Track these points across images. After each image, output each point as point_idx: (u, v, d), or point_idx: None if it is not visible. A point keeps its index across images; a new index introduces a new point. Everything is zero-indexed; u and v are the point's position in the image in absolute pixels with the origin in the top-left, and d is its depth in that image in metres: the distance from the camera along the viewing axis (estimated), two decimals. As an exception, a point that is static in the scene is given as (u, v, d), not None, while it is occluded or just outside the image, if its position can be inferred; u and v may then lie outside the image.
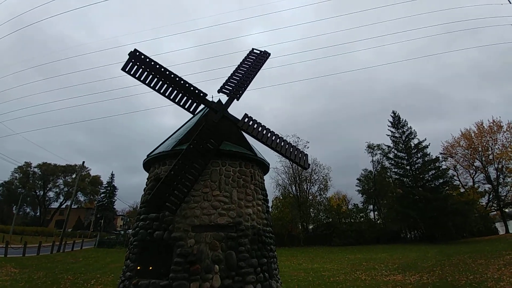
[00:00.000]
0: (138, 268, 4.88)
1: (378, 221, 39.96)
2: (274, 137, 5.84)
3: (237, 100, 5.92)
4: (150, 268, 4.79)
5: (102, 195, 55.77)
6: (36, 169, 54.60)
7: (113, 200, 54.31)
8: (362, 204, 41.97)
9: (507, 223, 36.30)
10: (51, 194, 56.57)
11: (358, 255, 24.38)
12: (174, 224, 4.86)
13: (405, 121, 39.48)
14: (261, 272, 5.00)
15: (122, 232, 43.03)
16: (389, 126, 40.62)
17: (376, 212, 41.68)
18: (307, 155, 6.03)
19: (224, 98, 6.07)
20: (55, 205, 57.67)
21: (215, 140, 5.30)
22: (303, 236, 34.40)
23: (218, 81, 6.19)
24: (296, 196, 39.56)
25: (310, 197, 41.49)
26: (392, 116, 40.46)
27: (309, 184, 42.16)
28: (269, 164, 6.77)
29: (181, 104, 5.63)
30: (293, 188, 39.97)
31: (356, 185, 44.27)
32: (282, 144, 5.81)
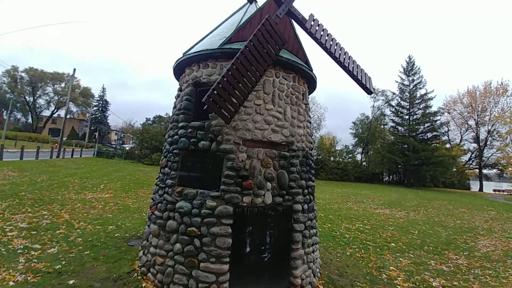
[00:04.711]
0: (181, 176, 4.50)
1: (363, 163, 42.44)
2: (341, 49, 4.83)
3: (306, -8, 4.58)
4: (195, 177, 4.41)
5: (94, 108, 54.51)
6: (23, 74, 51.19)
7: (106, 115, 53.33)
8: (352, 146, 43.60)
9: (483, 183, 39.68)
10: (41, 101, 54.76)
11: (344, 189, 26.45)
12: (223, 135, 4.27)
13: (419, 68, 37.73)
14: (308, 194, 4.82)
15: (118, 146, 43.66)
16: (400, 72, 38.99)
17: (362, 155, 43.81)
18: (371, 78, 5.19)
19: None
20: (46, 113, 56.43)
21: (276, 43, 4.26)
22: (293, 168, 36.17)
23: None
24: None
25: (304, 134, 42.19)
26: (406, 61, 38.38)
27: (304, 121, 42.26)
28: (316, 85, 5.91)
29: (237, -15, 4.26)
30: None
31: (350, 128, 45.17)
32: (349, 59, 4.86)
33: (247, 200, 4.09)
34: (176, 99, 5.33)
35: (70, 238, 6.01)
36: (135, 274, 4.52)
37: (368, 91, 4.99)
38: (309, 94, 6.27)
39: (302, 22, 4.48)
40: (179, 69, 5.36)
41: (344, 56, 4.78)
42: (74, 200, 9.89)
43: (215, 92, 3.72)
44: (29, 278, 4.07)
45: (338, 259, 6.18)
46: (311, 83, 5.59)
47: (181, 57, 5.07)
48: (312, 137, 5.72)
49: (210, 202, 4.04)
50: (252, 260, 4.10)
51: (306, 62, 5.25)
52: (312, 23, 4.58)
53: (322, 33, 4.64)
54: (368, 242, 7.77)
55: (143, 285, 4.18)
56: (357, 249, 7.03)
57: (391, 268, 5.88)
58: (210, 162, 4.32)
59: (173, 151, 4.68)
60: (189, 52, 5.05)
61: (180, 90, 5.29)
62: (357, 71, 4.86)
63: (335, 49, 4.68)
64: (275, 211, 4.33)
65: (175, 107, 5.22)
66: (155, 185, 5.04)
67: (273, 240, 4.27)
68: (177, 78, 5.69)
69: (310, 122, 5.63)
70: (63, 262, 4.70)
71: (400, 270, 5.84)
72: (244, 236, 4.06)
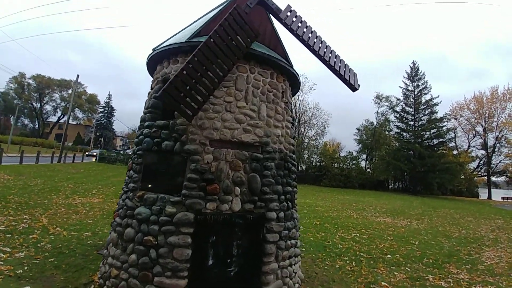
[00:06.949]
0: (143, 180, 4.13)
1: (368, 170, 41.44)
2: (321, 43, 4.45)
3: (281, -19, 4.24)
4: (157, 181, 4.03)
5: (100, 115, 55.59)
6: (30, 81, 52.90)
7: (112, 121, 54.29)
8: (356, 152, 42.74)
9: (491, 190, 38.19)
10: (48, 107, 56.44)
11: (346, 196, 25.67)
12: (188, 135, 3.90)
13: (423, 74, 36.96)
14: (285, 201, 4.37)
15: (122, 151, 43.96)
16: (404, 77, 38.34)
17: (367, 162, 42.82)
18: (356, 74, 4.78)
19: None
20: (53, 119, 57.95)
21: (247, 34, 3.90)
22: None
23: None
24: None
25: (307, 140, 41.77)
26: (410, 67, 37.72)
27: (307, 127, 41.94)
28: (300, 83, 5.53)
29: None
30: (291, 130, 39.88)
31: (354, 134, 44.42)
32: (331, 54, 4.48)
33: (211, 206, 3.68)
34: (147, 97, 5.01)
35: (40, 243, 5.75)
36: (93, 286, 4.13)
37: (353, 87, 4.57)
38: (294, 93, 5.89)
39: (276, 12, 4.13)
40: (152, 66, 5.06)
41: (325, 50, 4.40)
42: (59, 205, 9.63)
43: (173, 85, 3.36)
44: (-9, 279, 3.99)
45: (324, 273, 5.64)
46: (293, 81, 5.20)
47: (151, 53, 4.77)
48: (295, 138, 5.29)
49: (170, 208, 3.64)
50: (215, 274, 3.66)
51: (286, 58, 4.88)
52: (289, 13, 4.22)
53: (300, 24, 4.28)
54: (361, 253, 7.19)
55: (97, 299, 3.79)
56: (348, 261, 6.46)
57: (383, 283, 5.31)
58: (173, 164, 3.95)
59: (137, 152, 4.33)
60: (160, 47, 4.75)
61: (151, 88, 4.97)
62: (339, 66, 4.46)
63: (314, 42, 4.30)
64: (245, 219, 3.89)
65: (144, 106, 4.89)
66: (121, 190, 4.68)
67: (241, 252, 3.83)
68: (152, 76, 5.39)
69: (292, 123, 5.21)
70: (25, 268, 4.54)
71: (392, 286, 5.26)
72: (207, 247, 3.64)
